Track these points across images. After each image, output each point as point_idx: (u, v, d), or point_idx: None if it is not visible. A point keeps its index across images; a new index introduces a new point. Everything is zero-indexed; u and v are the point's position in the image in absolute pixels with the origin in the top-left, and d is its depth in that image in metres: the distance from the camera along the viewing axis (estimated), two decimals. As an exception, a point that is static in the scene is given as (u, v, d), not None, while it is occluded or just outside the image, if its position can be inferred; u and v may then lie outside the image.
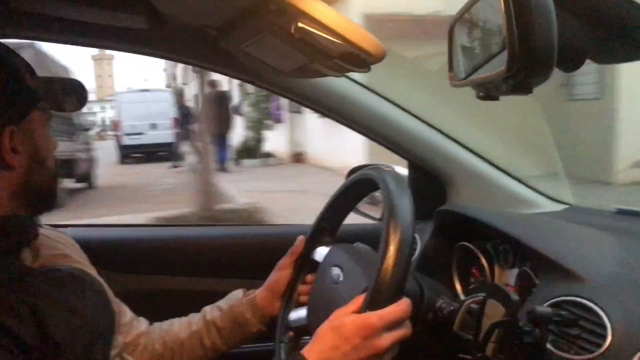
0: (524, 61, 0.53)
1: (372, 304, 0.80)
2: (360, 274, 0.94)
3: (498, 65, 0.59)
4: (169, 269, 1.50)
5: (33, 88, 0.84)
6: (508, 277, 1.13)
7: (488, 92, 0.66)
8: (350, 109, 1.31)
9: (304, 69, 1.02)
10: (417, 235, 1.35)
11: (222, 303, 1.15)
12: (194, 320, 1.14)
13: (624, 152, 7.74)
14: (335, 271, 1.01)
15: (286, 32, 0.83)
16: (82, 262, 0.94)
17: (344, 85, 1.30)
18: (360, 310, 0.81)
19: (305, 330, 1.11)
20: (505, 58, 0.57)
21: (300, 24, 0.77)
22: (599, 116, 8.22)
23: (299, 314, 1.10)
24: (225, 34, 1.04)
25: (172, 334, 1.13)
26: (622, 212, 1.28)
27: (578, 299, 0.82)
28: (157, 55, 1.14)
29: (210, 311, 1.15)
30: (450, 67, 0.75)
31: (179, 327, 1.14)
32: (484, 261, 1.17)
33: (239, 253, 1.55)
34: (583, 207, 1.59)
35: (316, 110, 1.31)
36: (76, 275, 0.87)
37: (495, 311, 0.80)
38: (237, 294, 1.16)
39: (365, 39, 0.78)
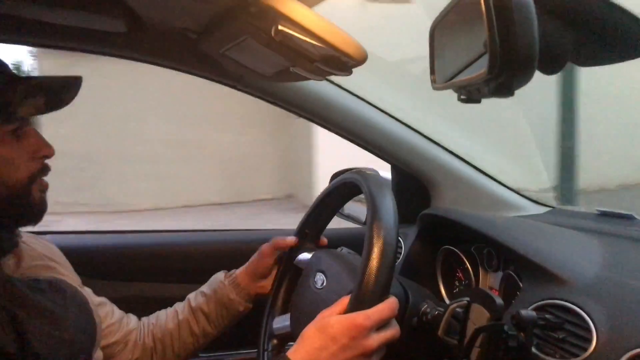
0: (505, 63, 0.52)
1: (357, 305, 0.79)
2: (345, 277, 0.93)
3: (479, 68, 0.58)
4: (151, 275, 1.48)
5: None
6: (492, 281, 1.12)
7: (470, 95, 0.65)
8: (334, 113, 1.30)
9: (285, 72, 1.01)
10: (400, 240, 1.34)
11: (205, 288, 1.15)
12: (179, 309, 1.14)
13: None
14: (319, 277, 1.00)
15: (267, 35, 0.82)
16: (64, 273, 0.92)
17: (327, 89, 1.29)
18: (346, 310, 0.79)
19: (289, 337, 1.09)
20: (487, 61, 0.56)
21: (280, 27, 0.75)
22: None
23: (282, 321, 1.09)
24: (206, 37, 1.03)
25: (160, 325, 1.12)
26: (604, 214, 1.29)
27: (562, 303, 0.82)
28: (137, 58, 1.12)
29: (194, 298, 1.15)
30: (432, 71, 0.74)
31: (166, 318, 1.14)
32: (468, 265, 1.17)
33: (223, 258, 1.53)
34: (565, 209, 1.60)
35: (300, 115, 1.30)
36: (58, 286, 0.85)
37: (479, 316, 0.79)
38: (219, 277, 1.16)
39: (346, 42, 0.77)
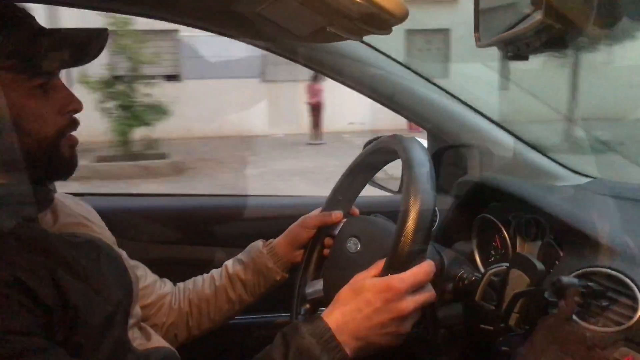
0: (560, 11, 0.49)
1: (392, 267, 0.78)
2: (379, 241, 0.92)
3: (531, 20, 0.55)
4: (183, 237, 1.49)
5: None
6: (530, 250, 1.10)
7: (517, 50, 0.62)
8: (369, 76, 1.27)
9: (321, 32, 0.98)
10: (436, 208, 1.32)
11: (243, 256, 1.16)
12: (217, 276, 1.15)
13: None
14: (353, 241, 0.99)
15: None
16: (99, 232, 0.93)
17: (362, 52, 1.26)
18: (381, 274, 0.78)
19: (321, 302, 1.10)
20: (538, 17, 0.53)
21: (320, -18, 0.73)
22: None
23: (314, 286, 1.09)
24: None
25: (197, 291, 1.14)
26: (649, 184, 1.24)
27: (607, 270, 0.79)
28: (170, 19, 1.11)
29: (232, 265, 1.15)
30: (477, 28, 0.71)
31: (203, 283, 1.15)
32: (505, 233, 1.14)
33: (254, 223, 1.54)
34: (607, 180, 1.55)
35: (333, 78, 1.28)
36: (93, 244, 0.85)
37: (518, 281, 0.77)
38: (257, 245, 1.16)
39: (386, -2, 0.75)
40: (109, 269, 0.85)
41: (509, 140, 1.45)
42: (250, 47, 1.25)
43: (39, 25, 0.79)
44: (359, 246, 0.97)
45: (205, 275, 1.18)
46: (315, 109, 11.34)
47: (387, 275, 0.78)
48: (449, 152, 1.45)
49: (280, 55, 1.23)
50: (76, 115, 0.84)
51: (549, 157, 1.50)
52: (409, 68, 1.33)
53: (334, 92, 10.15)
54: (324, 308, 1.01)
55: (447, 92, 1.38)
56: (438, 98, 1.37)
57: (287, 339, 0.77)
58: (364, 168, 1.09)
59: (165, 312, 1.10)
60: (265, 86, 12.37)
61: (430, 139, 1.49)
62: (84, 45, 0.80)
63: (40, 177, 0.82)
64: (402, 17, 0.78)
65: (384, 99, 1.31)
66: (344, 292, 0.80)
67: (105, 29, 0.81)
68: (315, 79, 10.69)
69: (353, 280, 0.81)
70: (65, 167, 0.83)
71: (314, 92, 11.20)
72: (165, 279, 1.15)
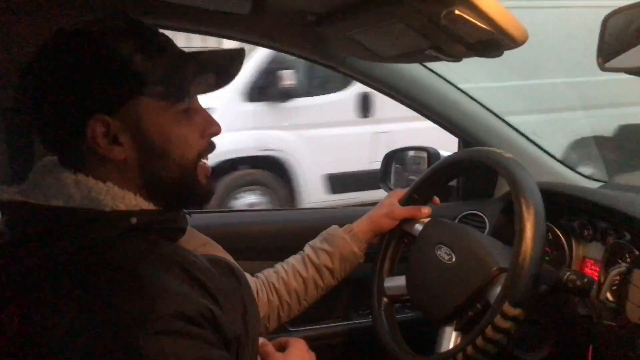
0: None
1: (513, 283, 0.85)
2: (477, 259, 0.99)
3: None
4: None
5: (140, 72, 0.73)
6: (586, 252, 1.18)
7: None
8: (421, 92, 1.34)
9: (412, 54, 1.04)
10: (482, 214, 1.40)
11: (325, 245, 1.18)
12: (299, 266, 1.17)
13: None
14: (444, 250, 1.04)
15: (424, 19, 0.85)
16: (220, 250, 0.92)
17: (415, 70, 1.33)
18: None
19: (399, 299, 1.17)
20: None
21: (457, 12, 0.78)
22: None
23: (394, 282, 1.16)
24: (330, 20, 1.05)
25: (284, 283, 1.16)
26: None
27: None
28: (250, 40, 1.14)
29: (316, 255, 1.18)
30: (600, 53, 0.79)
31: (287, 275, 1.16)
32: (561, 235, 1.22)
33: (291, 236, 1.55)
34: (619, 183, 1.68)
35: (388, 94, 1.34)
36: (225, 264, 0.85)
37: None
38: (337, 232, 1.19)
39: (512, 25, 0.81)
40: (245, 290, 0.85)
41: (534, 149, 1.55)
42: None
43: (181, 50, 0.79)
44: (454, 258, 1.02)
45: (283, 265, 1.19)
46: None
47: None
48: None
49: (343, 74, 1.28)
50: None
51: (564, 164, 1.62)
52: (450, 82, 1.41)
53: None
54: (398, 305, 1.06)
55: (483, 106, 1.47)
56: (476, 110, 1.45)
57: None
58: (445, 173, 1.15)
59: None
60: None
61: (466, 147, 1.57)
62: (226, 66, 0.80)
63: (181, 202, 0.81)
64: (521, 43, 0.84)
65: (434, 114, 1.38)
66: None
67: (242, 49, 0.80)
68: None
69: None
70: (204, 194, 0.83)
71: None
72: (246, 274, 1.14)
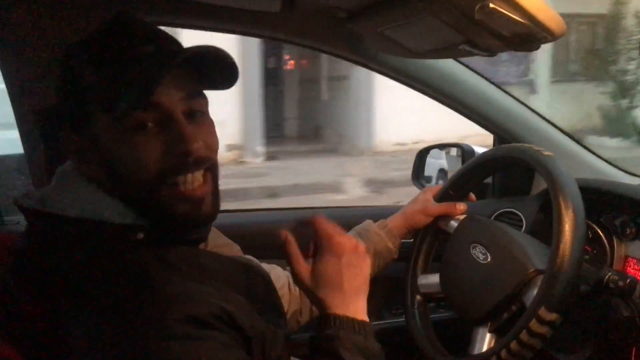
0: None
1: (551, 283, 0.83)
2: (514, 260, 0.96)
3: None
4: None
5: (89, 86, 0.70)
6: (631, 250, 1.15)
7: None
8: (455, 88, 1.32)
9: (445, 49, 1.02)
10: (519, 212, 1.36)
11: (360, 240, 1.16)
12: None
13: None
14: (479, 249, 1.02)
15: (460, 13, 0.83)
16: (237, 250, 0.93)
17: (448, 66, 1.31)
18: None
19: (433, 297, 1.15)
20: None
21: (491, 4, 0.76)
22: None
23: (428, 280, 1.14)
24: (361, 16, 1.04)
25: None
26: None
27: None
28: (281, 38, 1.14)
29: None
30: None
31: None
32: (601, 234, 1.19)
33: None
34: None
35: (421, 91, 1.32)
36: (249, 265, 0.85)
37: None
38: (371, 228, 1.17)
39: (550, 17, 0.79)
40: (269, 289, 0.86)
41: (572, 145, 1.51)
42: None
43: (153, 55, 0.73)
44: (489, 257, 1.00)
45: None
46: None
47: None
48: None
49: (374, 70, 1.27)
50: None
51: (604, 160, 1.57)
52: (485, 78, 1.39)
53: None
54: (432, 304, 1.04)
55: (519, 101, 1.43)
56: (511, 106, 1.42)
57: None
58: (482, 170, 1.13)
59: (287, 300, 1.08)
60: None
61: (501, 144, 1.54)
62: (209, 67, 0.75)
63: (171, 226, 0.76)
64: (559, 35, 0.82)
65: (468, 110, 1.35)
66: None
67: (219, 48, 0.73)
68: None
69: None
70: (180, 218, 0.75)
71: None
72: (273, 265, 1.11)
